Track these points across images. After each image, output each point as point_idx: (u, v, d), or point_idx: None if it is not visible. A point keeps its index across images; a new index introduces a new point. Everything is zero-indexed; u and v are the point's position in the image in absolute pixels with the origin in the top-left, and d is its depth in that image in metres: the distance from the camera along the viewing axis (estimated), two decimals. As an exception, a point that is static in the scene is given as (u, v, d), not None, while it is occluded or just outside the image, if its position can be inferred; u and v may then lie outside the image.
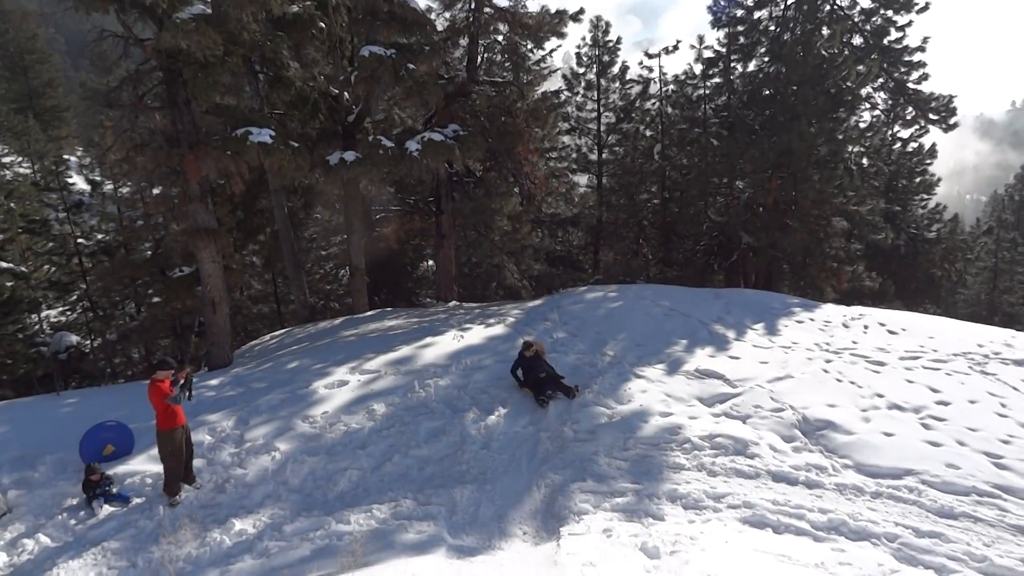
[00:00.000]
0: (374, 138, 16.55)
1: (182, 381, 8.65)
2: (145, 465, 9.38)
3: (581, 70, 27.04)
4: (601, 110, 27.21)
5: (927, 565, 6.75)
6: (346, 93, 17.96)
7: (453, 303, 20.89)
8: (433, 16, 19.12)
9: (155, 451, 8.94)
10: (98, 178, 22.01)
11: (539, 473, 9.14)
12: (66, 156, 28.88)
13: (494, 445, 9.98)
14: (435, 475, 9.18)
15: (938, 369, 12.07)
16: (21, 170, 32.96)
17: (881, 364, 12.33)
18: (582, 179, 29.55)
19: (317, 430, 10.34)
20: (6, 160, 35.53)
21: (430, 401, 11.29)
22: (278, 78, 16.55)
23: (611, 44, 26.62)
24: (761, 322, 15.29)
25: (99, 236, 22.24)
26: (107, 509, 8.40)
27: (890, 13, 25.21)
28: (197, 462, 9.23)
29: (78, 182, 24.41)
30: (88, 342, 22.05)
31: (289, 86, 16.51)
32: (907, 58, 25.54)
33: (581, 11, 19.57)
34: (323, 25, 16.88)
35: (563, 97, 25.52)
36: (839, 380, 11.55)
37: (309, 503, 8.54)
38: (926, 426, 9.73)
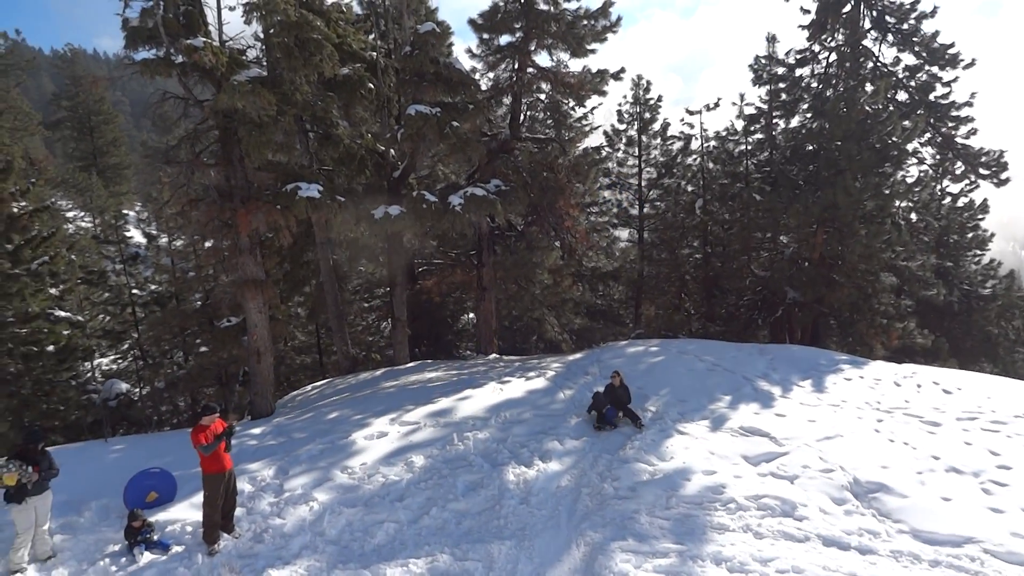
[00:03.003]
0: (418, 193, 16.95)
1: (220, 432, 8.75)
2: (186, 513, 9.46)
3: (622, 127, 27.44)
4: (642, 165, 27.45)
5: (993, 641, 6.34)
6: (392, 149, 18.51)
7: (493, 356, 20.89)
8: (477, 76, 19.73)
9: (197, 498, 9.03)
10: (154, 231, 22.94)
11: (579, 530, 8.92)
12: (125, 211, 30.27)
13: (533, 500, 9.81)
14: (473, 529, 9.04)
15: (998, 431, 11.53)
16: (83, 224, 34.59)
17: (936, 424, 11.85)
18: (623, 233, 29.62)
19: (355, 481, 10.32)
20: (70, 214, 37.35)
21: (469, 454, 11.21)
22: (327, 136, 17.16)
23: (652, 101, 27.02)
24: (808, 379, 14.89)
25: (152, 287, 23.04)
26: (147, 556, 8.45)
27: (935, 69, 25.12)
28: (237, 511, 9.27)
29: (135, 235, 25.48)
30: (137, 390, 22.58)
31: (338, 143, 17.10)
32: (954, 113, 25.26)
33: (622, 70, 19.92)
34: (372, 86, 17.57)
35: (604, 153, 25.81)
36: (892, 440, 11.13)
37: (346, 555, 8.47)
38: (986, 491, 9.26)
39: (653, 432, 11.96)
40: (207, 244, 21.76)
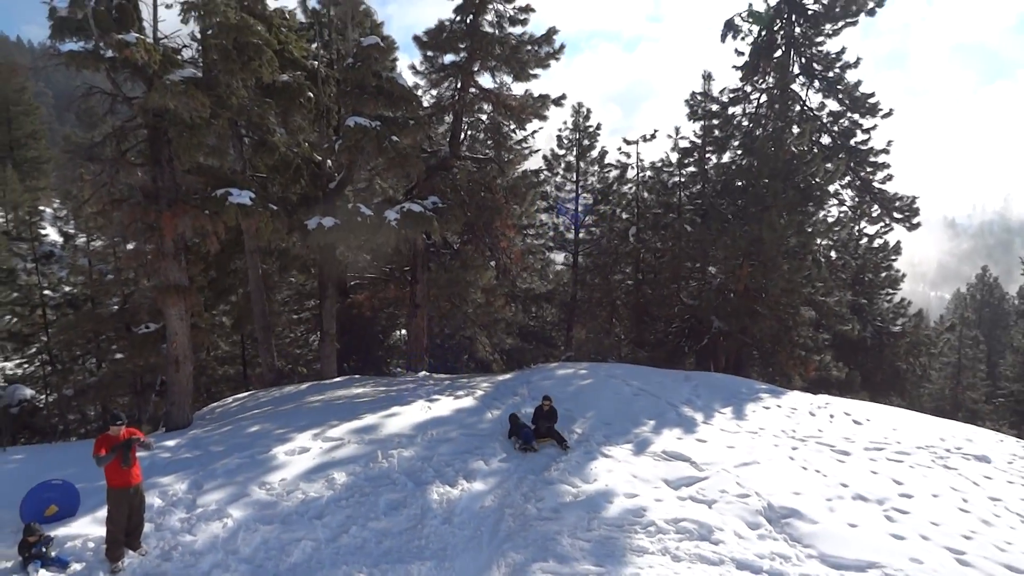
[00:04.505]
0: (354, 206, 16.74)
1: (118, 444, 8.27)
2: (89, 528, 8.95)
3: (561, 152, 27.89)
4: (579, 191, 27.90)
5: (890, 662, 6.61)
6: (329, 160, 18.28)
7: (423, 373, 20.69)
8: (420, 92, 19.75)
9: (101, 513, 8.57)
10: (72, 231, 21.81)
11: (500, 551, 8.88)
12: (42, 207, 28.69)
13: (456, 520, 9.72)
14: (393, 549, 8.88)
15: (902, 461, 12.14)
16: (-7, 219, 32.65)
17: (846, 453, 12.39)
18: (558, 257, 29.98)
19: (273, 497, 10.00)
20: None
21: (392, 472, 11.04)
22: (263, 142, 16.83)
23: (591, 129, 27.57)
24: (729, 406, 15.34)
25: (66, 288, 21.86)
26: (43, 574, 7.94)
27: (856, 116, 26.66)
28: (145, 527, 8.82)
29: (51, 233, 24.16)
30: (43, 396, 21.35)
31: (273, 150, 16.78)
32: (872, 159, 26.82)
33: (563, 96, 20.31)
34: (311, 95, 17.35)
35: (543, 176, 26.20)
36: (805, 468, 11.56)
37: (259, 574, 8.18)
38: (889, 518, 9.71)
39: (578, 454, 12.07)
40: (128, 246, 20.90)
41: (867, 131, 26.64)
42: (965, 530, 9.40)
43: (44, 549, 8.16)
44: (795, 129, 24.57)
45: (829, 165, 23.08)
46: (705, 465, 11.58)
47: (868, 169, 27.02)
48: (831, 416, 15.04)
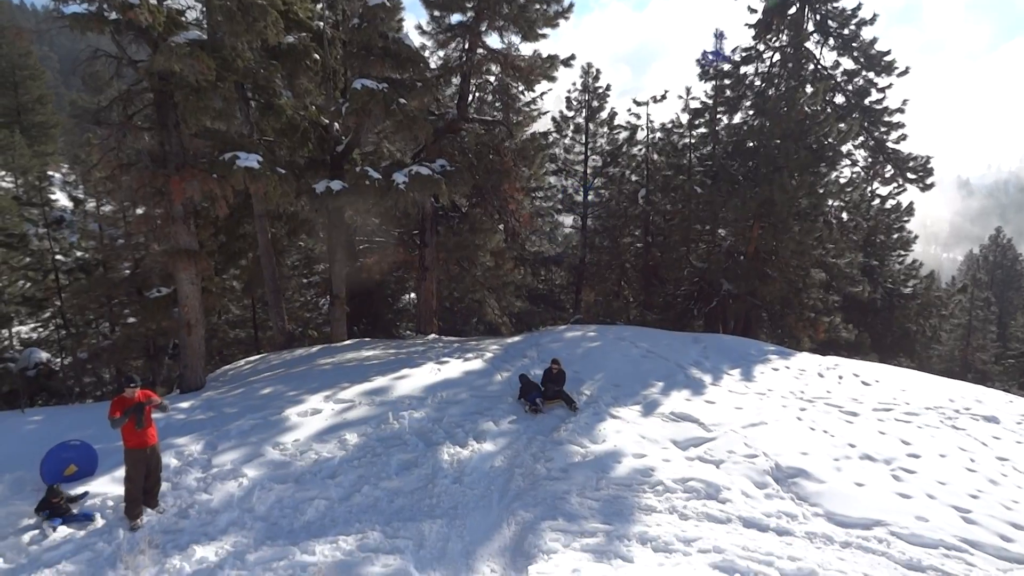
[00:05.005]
0: (362, 169, 16.67)
1: (130, 407, 8.42)
2: (108, 487, 9.14)
3: (570, 114, 27.56)
4: (588, 153, 27.65)
5: (894, 617, 6.72)
6: (337, 124, 18.13)
7: (432, 336, 20.82)
8: (427, 54, 19.48)
9: (119, 472, 8.75)
10: (81, 195, 21.84)
11: (510, 510, 9.03)
12: (50, 172, 28.72)
13: (466, 480, 9.86)
14: (404, 508, 9.04)
15: (910, 422, 12.18)
16: (3, 184, 32.69)
17: (854, 414, 12.43)
18: (567, 220, 29.87)
19: (287, 458, 10.17)
20: (-10, 173, 35.23)
21: (403, 433, 11.18)
22: (269, 105, 16.67)
23: (601, 90, 27.21)
24: (738, 368, 15.38)
25: (78, 253, 22.02)
26: (64, 531, 8.13)
27: (871, 75, 26.08)
28: (162, 486, 9.02)
29: (61, 199, 24.22)
30: (58, 360, 21.64)
31: (280, 114, 16.63)
32: (887, 118, 26.31)
33: (572, 57, 19.96)
34: (317, 57, 17.13)
35: (551, 139, 25.93)
36: (812, 428, 11.62)
37: (274, 532, 8.35)
38: (896, 478, 9.78)
39: (587, 415, 12.17)
40: (138, 211, 20.96)
41: (882, 90, 26.09)
42: (972, 489, 9.46)
43: (66, 506, 8.38)
44: (808, 88, 24.09)
45: (842, 125, 22.71)
46: (713, 426, 11.67)
47: (882, 129, 26.55)
48: (840, 377, 15.07)
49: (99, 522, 8.42)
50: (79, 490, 9.02)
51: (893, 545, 7.97)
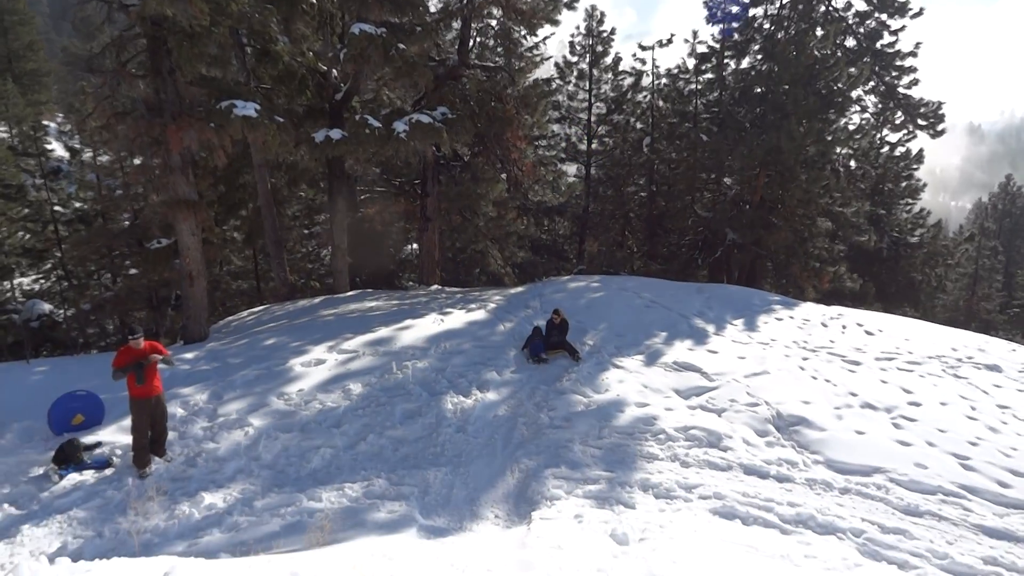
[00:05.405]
0: (361, 117, 16.38)
1: (130, 365, 8.49)
2: (115, 436, 9.27)
3: (574, 59, 26.90)
4: (592, 100, 27.12)
5: (890, 561, 6.80)
6: (335, 70, 17.74)
7: (435, 287, 20.80)
8: (426, -4, 18.89)
9: (126, 422, 8.86)
10: (77, 145, 21.60)
11: (513, 458, 9.13)
12: (45, 122, 28.37)
13: (470, 428, 9.95)
14: (409, 456, 9.14)
15: (911, 371, 12.18)
16: (-1, 134, 32.33)
17: (857, 364, 12.43)
18: (570, 168, 29.46)
19: (292, 407, 10.26)
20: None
21: (407, 383, 11.25)
22: (266, 52, 16.30)
23: (605, 34, 26.49)
24: (741, 318, 15.36)
25: (76, 204, 21.89)
26: (75, 478, 8.26)
27: (884, 17, 25.31)
28: (169, 435, 9.12)
29: (57, 149, 23.99)
30: (61, 311, 21.73)
31: (277, 60, 16.27)
32: (899, 63, 25.65)
33: (576, -1, 19.42)
34: (314, 0, 16.64)
35: (554, 85, 25.37)
36: (815, 378, 11.64)
37: (281, 479, 8.47)
38: (897, 426, 9.82)
39: (590, 365, 12.21)
40: (135, 161, 20.73)
41: (894, 32, 25.36)
42: (971, 437, 9.50)
43: (79, 454, 8.49)
44: (819, 32, 23.43)
45: (853, 70, 22.12)
46: (716, 375, 11.70)
47: (893, 73, 25.89)
48: (843, 327, 15.04)
49: (110, 469, 8.54)
50: (91, 438, 9.14)
51: (892, 491, 8.04)
